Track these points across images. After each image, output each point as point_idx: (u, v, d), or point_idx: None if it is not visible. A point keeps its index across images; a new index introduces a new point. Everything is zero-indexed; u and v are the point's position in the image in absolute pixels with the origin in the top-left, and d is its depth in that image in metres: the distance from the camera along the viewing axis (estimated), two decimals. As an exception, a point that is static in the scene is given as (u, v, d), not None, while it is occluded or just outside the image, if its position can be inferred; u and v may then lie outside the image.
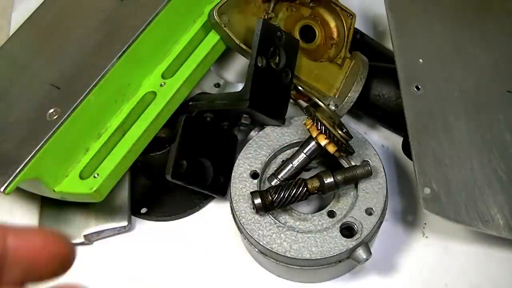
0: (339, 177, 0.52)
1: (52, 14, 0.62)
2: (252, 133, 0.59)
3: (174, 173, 0.54)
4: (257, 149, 0.56)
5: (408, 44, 0.57)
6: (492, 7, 0.62)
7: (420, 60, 0.57)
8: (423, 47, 0.58)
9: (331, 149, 0.53)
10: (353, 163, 0.55)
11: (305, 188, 0.52)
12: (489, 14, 0.61)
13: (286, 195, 0.52)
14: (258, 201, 0.52)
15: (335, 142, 0.52)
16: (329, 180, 0.52)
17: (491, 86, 0.58)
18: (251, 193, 0.52)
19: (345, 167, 0.55)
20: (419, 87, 0.55)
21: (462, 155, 0.54)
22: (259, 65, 0.55)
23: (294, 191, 0.52)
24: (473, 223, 0.51)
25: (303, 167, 0.55)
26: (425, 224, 0.61)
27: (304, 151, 0.54)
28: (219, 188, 0.59)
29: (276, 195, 0.52)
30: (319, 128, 0.52)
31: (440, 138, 0.54)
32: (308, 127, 0.54)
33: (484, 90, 0.57)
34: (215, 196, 0.61)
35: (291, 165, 0.55)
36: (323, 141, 0.53)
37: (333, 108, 0.60)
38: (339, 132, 0.52)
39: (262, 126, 0.59)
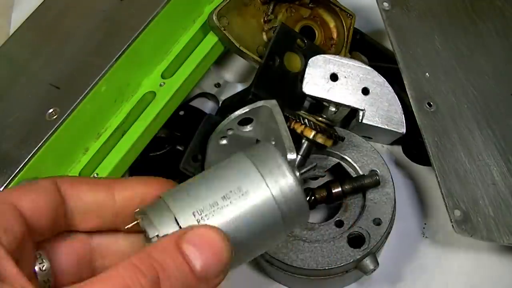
0: (346, 187, 0.52)
1: (52, 14, 0.62)
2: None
3: (186, 163, 0.54)
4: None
5: (413, 59, 0.57)
6: (482, 8, 0.62)
7: (427, 74, 0.57)
8: (427, 60, 0.58)
9: (320, 139, 0.52)
10: (361, 173, 0.55)
11: (313, 197, 0.52)
12: (480, 16, 0.61)
13: None
14: None
15: (322, 131, 0.52)
16: (336, 189, 0.52)
17: (495, 92, 0.58)
18: None
19: (353, 176, 0.55)
20: (431, 103, 0.55)
21: (482, 169, 0.54)
22: (270, 63, 0.57)
23: None
24: (505, 238, 0.51)
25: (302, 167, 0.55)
26: (425, 224, 0.61)
27: (299, 152, 0.54)
28: None
29: None
30: (302, 122, 0.52)
31: (459, 155, 0.54)
32: (292, 126, 0.54)
33: (490, 98, 0.57)
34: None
35: None
36: (310, 134, 0.52)
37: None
38: (320, 119, 0.52)
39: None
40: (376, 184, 0.52)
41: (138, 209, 0.33)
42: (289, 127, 0.54)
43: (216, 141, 0.55)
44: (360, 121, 0.55)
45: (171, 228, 0.32)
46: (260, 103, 0.52)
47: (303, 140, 0.54)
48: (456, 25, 0.61)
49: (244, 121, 0.54)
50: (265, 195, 0.36)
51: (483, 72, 0.58)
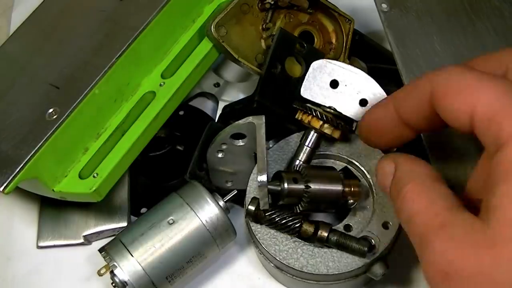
0: (333, 237, 0.50)
1: (52, 14, 0.62)
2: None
3: (192, 173, 0.56)
4: (271, 163, 0.56)
5: (412, 60, 0.57)
6: (481, 8, 0.62)
7: None
8: (426, 61, 0.58)
9: (327, 130, 0.53)
10: (369, 177, 0.54)
11: (299, 227, 0.50)
12: (479, 16, 0.61)
13: (277, 219, 0.51)
14: (251, 207, 0.51)
15: (329, 121, 0.52)
16: (323, 233, 0.50)
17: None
18: (252, 198, 0.52)
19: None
20: None
21: None
22: (273, 70, 0.57)
23: (286, 221, 0.51)
24: None
25: (309, 160, 0.55)
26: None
27: (306, 144, 0.54)
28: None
29: (269, 213, 0.51)
30: (309, 113, 0.52)
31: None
32: (300, 117, 0.54)
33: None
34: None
35: (298, 161, 0.54)
36: (317, 125, 0.53)
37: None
38: (328, 109, 0.52)
39: (277, 139, 0.58)
40: (362, 254, 0.50)
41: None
42: (296, 118, 0.54)
43: (213, 155, 0.56)
44: (354, 131, 0.55)
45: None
46: (248, 119, 0.53)
47: (312, 132, 0.54)
48: (455, 26, 0.61)
49: (239, 135, 0.55)
50: (196, 221, 0.52)
51: (482, 73, 0.59)
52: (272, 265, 0.53)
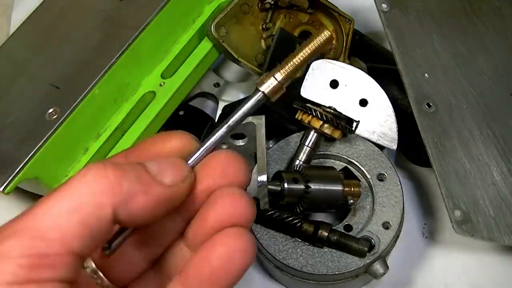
0: (333, 237, 0.50)
1: (52, 14, 0.62)
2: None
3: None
4: (271, 163, 0.56)
5: (412, 60, 0.57)
6: (481, 8, 0.62)
7: (426, 75, 0.57)
8: (426, 61, 0.58)
9: (327, 130, 0.53)
10: (369, 177, 0.54)
11: (299, 227, 0.51)
12: (479, 16, 0.61)
13: (277, 220, 0.51)
14: None
15: (329, 121, 0.52)
16: (323, 233, 0.50)
17: (495, 92, 0.58)
18: (253, 197, 0.52)
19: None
20: (430, 104, 0.55)
21: (482, 169, 0.54)
22: None
23: (286, 221, 0.51)
24: (505, 238, 0.51)
25: (309, 160, 0.55)
26: (425, 224, 0.61)
27: (306, 144, 0.54)
28: None
29: (269, 213, 0.51)
30: (309, 113, 0.52)
31: (459, 156, 0.54)
32: (300, 117, 0.54)
33: (489, 98, 0.57)
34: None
35: (298, 161, 0.54)
36: (317, 125, 0.53)
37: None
38: (328, 109, 0.52)
39: (277, 139, 0.58)
40: (361, 254, 0.50)
41: None
42: (296, 118, 0.54)
43: None
44: (353, 131, 0.55)
45: None
46: (248, 119, 0.52)
47: (312, 132, 0.54)
48: (455, 26, 0.61)
49: (239, 135, 0.55)
50: None
51: (483, 72, 0.59)
52: (272, 265, 0.53)
